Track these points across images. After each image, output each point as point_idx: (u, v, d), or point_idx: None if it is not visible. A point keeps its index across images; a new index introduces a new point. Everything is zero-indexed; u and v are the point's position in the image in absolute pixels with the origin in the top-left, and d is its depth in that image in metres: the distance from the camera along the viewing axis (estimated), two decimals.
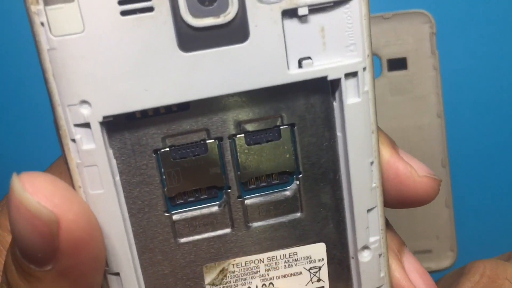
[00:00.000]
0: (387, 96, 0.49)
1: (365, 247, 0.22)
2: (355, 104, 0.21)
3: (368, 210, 0.22)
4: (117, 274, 0.21)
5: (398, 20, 0.48)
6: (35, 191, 0.18)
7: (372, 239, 0.22)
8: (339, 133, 0.21)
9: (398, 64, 0.49)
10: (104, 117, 0.19)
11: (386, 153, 0.23)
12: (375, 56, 0.49)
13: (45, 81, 0.19)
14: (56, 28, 0.18)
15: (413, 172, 0.23)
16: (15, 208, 0.18)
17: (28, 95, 0.50)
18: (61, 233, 0.18)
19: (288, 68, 0.20)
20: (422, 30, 0.48)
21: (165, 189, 0.21)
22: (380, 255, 0.23)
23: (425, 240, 0.51)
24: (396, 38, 0.48)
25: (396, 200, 0.24)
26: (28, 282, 0.19)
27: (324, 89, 0.21)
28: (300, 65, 0.20)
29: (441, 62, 0.48)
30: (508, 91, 0.51)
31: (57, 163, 0.25)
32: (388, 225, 0.24)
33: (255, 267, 0.23)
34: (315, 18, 0.20)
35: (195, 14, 0.19)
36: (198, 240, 0.22)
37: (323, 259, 0.23)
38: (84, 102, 0.19)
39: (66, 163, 0.20)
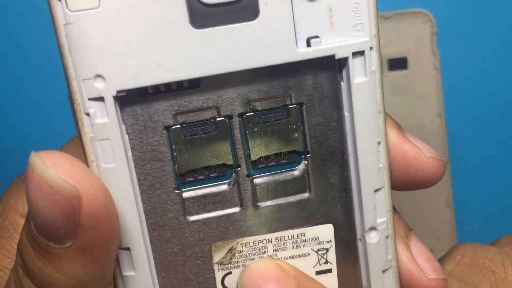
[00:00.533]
0: (388, 96, 0.49)
1: (373, 228, 0.23)
2: (362, 83, 0.21)
3: (376, 190, 0.22)
4: (128, 249, 0.21)
5: (399, 19, 0.48)
6: (56, 168, 0.18)
7: (379, 220, 0.22)
8: (346, 113, 0.22)
9: (398, 63, 0.49)
10: (118, 91, 0.19)
11: (393, 135, 0.23)
12: None
13: (61, 56, 0.19)
14: (72, 3, 0.19)
15: (420, 153, 0.24)
16: (36, 185, 0.18)
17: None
18: (82, 208, 0.18)
19: (297, 46, 0.20)
20: (423, 29, 0.48)
21: (176, 166, 0.22)
22: (387, 237, 0.23)
23: (425, 240, 0.50)
24: (396, 37, 0.48)
25: (404, 181, 0.24)
26: (47, 260, 0.19)
27: (332, 69, 0.21)
28: (308, 44, 0.20)
29: (441, 61, 0.48)
30: (509, 91, 0.50)
31: (69, 144, 0.25)
32: (395, 210, 0.24)
33: (263, 247, 0.23)
34: None
35: None
36: (207, 219, 0.22)
37: (330, 241, 0.23)
38: (98, 76, 0.19)
39: (80, 137, 0.20)
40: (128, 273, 0.21)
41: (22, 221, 0.24)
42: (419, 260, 0.24)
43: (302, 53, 0.20)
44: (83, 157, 0.20)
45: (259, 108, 0.22)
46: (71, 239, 0.19)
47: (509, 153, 0.52)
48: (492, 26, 0.49)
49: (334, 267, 0.23)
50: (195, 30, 0.19)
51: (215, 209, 0.22)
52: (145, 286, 0.22)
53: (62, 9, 0.19)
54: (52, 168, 0.18)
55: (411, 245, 0.24)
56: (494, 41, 0.50)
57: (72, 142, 0.25)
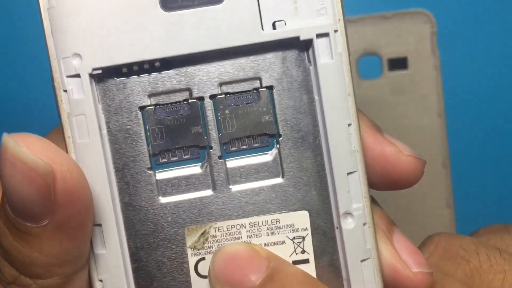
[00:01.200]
0: (388, 96, 0.49)
1: (348, 213, 0.23)
2: (328, 64, 0.22)
3: (349, 173, 0.22)
4: (99, 225, 0.22)
5: (399, 19, 0.48)
6: (28, 147, 0.19)
7: (355, 206, 0.22)
8: (316, 96, 0.22)
9: (398, 63, 0.49)
10: (94, 69, 0.21)
11: (371, 133, 0.24)
12: (375, 55, 0.49)
13: (44, 38, 0.21)
14: None
15: (398, 151, 0.24)
16: (10, 164, 0.18)
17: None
18: (57, 184, 0.19)
19: (263, 29, 0.22)
20: (423, 29, 0.48)
21: (149, 147, 0.22)
22: (364, 224, 0.23)
23: None
24: (396, 37, 0.48)
25: (383, 180, 0.24)
26: (25, 241, 0.20)
27: (300, 52, 0.22)
28: (274, 27, 0.22)
29: (442, 62, 0.48)
30: (509, 91, 0.50)
31: (52, 133, 0.26)
32: (376, 205, 0.25)
33: (237, 232, 0.23)
34: None
35: None
36: (180, 201, 0.23)
37: (306, 229, 0.23)
38: (76, 55, 0.21)
39: (59, 115, 0.21)
40: (99, 251, 0.22)
41: None
42: (403, 254, 0.24)
43: (267, 34, 0.22)
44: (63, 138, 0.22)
45: (230, 91, 0.23)
46: (47, 217, 0.19)
47: (509, 153, 0.52)
48: (492, 26, 0.49)
49: (311, 257, 0.23)
50: (165, 12, 0.21)
51: (188, 191, 0.23)
52: (116, 265, 0.22)
53: None
54: (25, 147, 0.19)
55: (394, 240, 0.24)
56: (494, 41, 0.49)
57: (53, 132, 0.25)
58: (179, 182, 0.23)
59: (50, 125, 0.24)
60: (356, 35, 0.49)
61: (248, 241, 0.23)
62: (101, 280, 0.22)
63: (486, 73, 0.50)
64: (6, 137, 0.19)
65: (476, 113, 0.51)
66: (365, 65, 0.49)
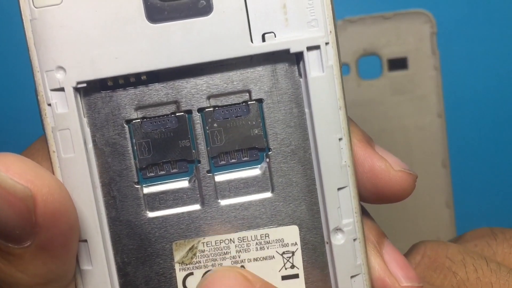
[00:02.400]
0: (388, 96, 0.49)
1: (338, 229, 0.22)
2: (319, 77, 0.21)
3: (339, 189, 0.22)
4: (85, 241, 0.21)
5: (399, 20, 0.48)
6: (7, 169, 0.18)
7: (345, 221, 0.22)
8: (306, 110, 0.22)
9: (398, 64, 0.49)
10: (78, 82, 0.21)
11: (361, 147, 0.23)
12: (375, 56, 0.49)
13: (28, 50, 0.21)
14: (37, 0, 0.20)
15: (389, 166, 0.23)
16: None
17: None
18: (37, 207, 0.19)
19: (252, 41, 0.21)
20: (423, 30, 0.48)
21: (136, 161, 0.22)
22: (355, 240, 0.22)
23: None
24: (396, 38, 0.48)
25: (373, 194, 0.24)
26: (8, 261, 0.19)
27: (291, 65, 0.22)
28: (263, 39, 0.21)
29: (441, 62, 0.48)
30: (509, 91, 0.50)
31: (34, 144, 0.25)
32: (367, 216, 0.24)
33: (225, 247, 0.23)
34: None
35: None
36: (168, 216, 0.22)
37: (296, 244, 0.23)
38: (60, 68, 0.21)
39: (43, 128, 0.21)
40: (86, 267, 0.22)
41: None
42: (393, 267, 0.23)
43: (257, 47, 0.21)
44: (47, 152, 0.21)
45: (219, 104, 0.22)
46: (29, 239, 0.19)
47: (509, 153, 0.52)
48: (492, 26, 0.49)
49: (301, 272, 0.23)
50: (151, 24, 0.21)
51: (176, 206, 0.22)
52: (103, 280, 0.22)
53: (28, 5, 0.21)
54: (3, 170, 0.18)
55: (384, 252, 0.24)
56: (494, 41, 0.50)
57: (38, 142, 0.25)
58: (166, 196, 0.22)
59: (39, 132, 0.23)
60: (356, 35, 0.49)
61: (237, 256, 0.23)
62: None
63: (485, 73, 0.50)
64: None
65: (476, 113, 0.51)
66: (365, 65, 0.49)
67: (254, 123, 0.22)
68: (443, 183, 0.49)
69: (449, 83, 0.49)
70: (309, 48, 0.21)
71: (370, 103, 0.49)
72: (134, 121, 0.22)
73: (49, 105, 0.21)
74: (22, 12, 0.21)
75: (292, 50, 0.21)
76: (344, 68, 0.49)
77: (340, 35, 0.50)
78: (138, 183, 0.22)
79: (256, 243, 0.23)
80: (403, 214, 0.50)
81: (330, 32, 0.21)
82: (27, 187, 0.18)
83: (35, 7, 0.20)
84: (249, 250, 0.23)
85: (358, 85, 0.49)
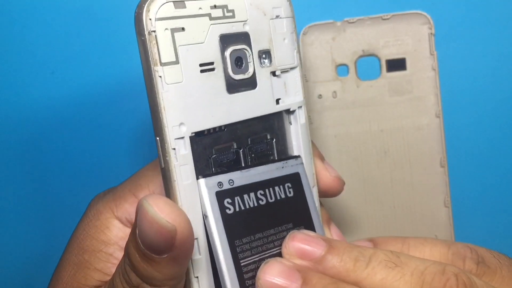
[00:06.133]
0: (386, 97, 0.49)
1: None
2: (304, 124, 0.35)
3: (313, 187, 0.36)
4: (196, 238, 0.31)
5: (397, 21, 0.48)
6: (160, 211, 0.28)
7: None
8: (294, 142, 0.36)
9: (397, 64, 0.49)
10: (192, 133, 0.30)
11: (319, 163, 0.37)
12: (374, 57, 0.49)
13: (156, 112, 0.29)
14: (168, 79, 0.29)
15: (328, 174, 0.37)
16: (148, 222, 0.28)
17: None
18: (177, 236, 0.28)
19: (274, 103, 0.34)
20: (421, 31, 0.48)
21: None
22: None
23: None
24: (395, 39, 0.49)
25: (321, 192, 0.37)
26: (149, 264, 0.29)
27: (284, 117, 0.35)
28: (277, 102, 0.34)
29: (439, 62, 0.49)
30: (507, 91, 0.51)
31: (145, 170, 0.37)
32: (322, 206, 0.37)
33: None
34: (282, 76, 0.34)
35: (234, 72, 0.32)
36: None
37: None
38: (182, 124, 0.30)
39: (166, 165, 0.30)
40: (196, 257, 0.31)
41: (112, 220, 0.36)
42: (333, 233, 0.37)
43: (277, 107, 0.34)
44: (160, 181, 0.31)
45: (253, 143, 0.34)
46: (167, 253, 0.28)
47: (507, 153, 0.52)
48: (490, 27, 0.50)
49: None
50: (228, 94, 0.32)
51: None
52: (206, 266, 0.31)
53: (162, 83, 0.29)
54: (158, 211, 0.28)
55: (331, 228, 0.37)
56: (492, 42, 0.50)
57: (148, 168, 0.37)
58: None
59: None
60: (355, 37, 0.49)
61: None
62: (196, 277, 0.31)
63: (483, 74, 0.50)
64: (145, 202, 0.28)
65: (474, 114, 0.51)
66: (364, 66, 0.50)
67: (270, 152, 0.35)
68: (441, 182, 0.50)
69: (447, 84, 0.49)
70: (299, 107, 0.35)
71: (368, 104, 0.50)
72: (213, 156, 0.32)
73: (174, 149, 0.30)
74: (156, 87, 0.29)
75: (292, 108, 0.35)
76: (343, 69, 0.50)
77: (339, 36, 0.51)
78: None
79: None
80: (401, 213, 0.50)
81: (304, 97, 0.35)
82: (173, 225, 0.28)
83: (167, 83, 0.29)
84: None
85: (357, 86, 0.49)
